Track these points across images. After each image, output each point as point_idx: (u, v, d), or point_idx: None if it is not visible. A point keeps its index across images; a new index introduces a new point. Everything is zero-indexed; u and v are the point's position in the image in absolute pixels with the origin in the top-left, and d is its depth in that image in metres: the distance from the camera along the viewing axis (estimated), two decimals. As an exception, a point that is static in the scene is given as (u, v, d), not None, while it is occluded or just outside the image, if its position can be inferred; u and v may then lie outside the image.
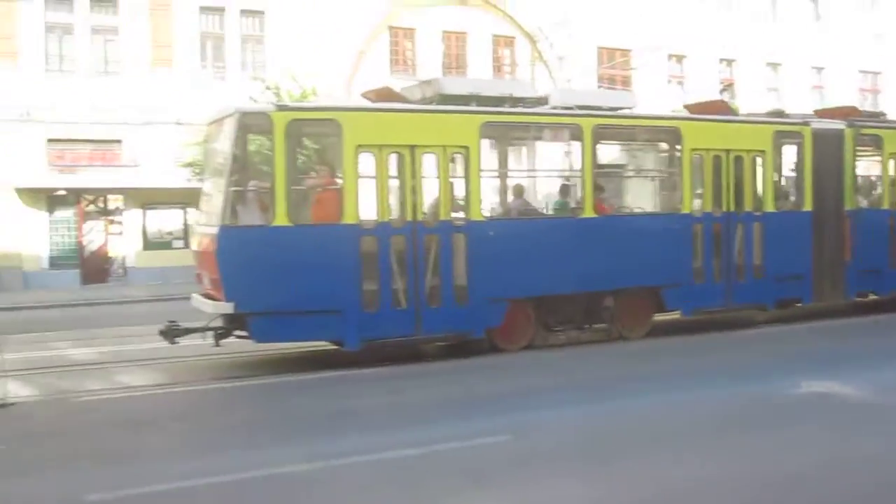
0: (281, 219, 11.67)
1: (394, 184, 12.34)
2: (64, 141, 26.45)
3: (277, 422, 9.55)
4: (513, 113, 13.49)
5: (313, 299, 11.79)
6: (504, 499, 6.79)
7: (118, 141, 27.18)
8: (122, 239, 27.63)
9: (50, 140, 26.15)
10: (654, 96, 27.71)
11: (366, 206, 12.27)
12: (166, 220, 27.99)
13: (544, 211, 15.13)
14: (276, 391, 11.15)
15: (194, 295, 12.81)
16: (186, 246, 27.58)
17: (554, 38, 30.72)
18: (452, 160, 12.65)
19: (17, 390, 11.09)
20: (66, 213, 27.11)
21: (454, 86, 13.55)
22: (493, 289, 12.84)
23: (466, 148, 12.64)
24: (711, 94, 31.67)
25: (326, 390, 11.08)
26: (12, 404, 10.39)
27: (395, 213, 12.36)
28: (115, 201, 27.59)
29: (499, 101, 13.52)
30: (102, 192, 27.28)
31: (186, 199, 27.23)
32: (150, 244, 27.69)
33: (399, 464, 7.65)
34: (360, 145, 12.00)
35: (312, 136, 13.36)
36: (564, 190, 15.18)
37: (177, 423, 9.60)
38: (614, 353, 13.37)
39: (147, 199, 27.30)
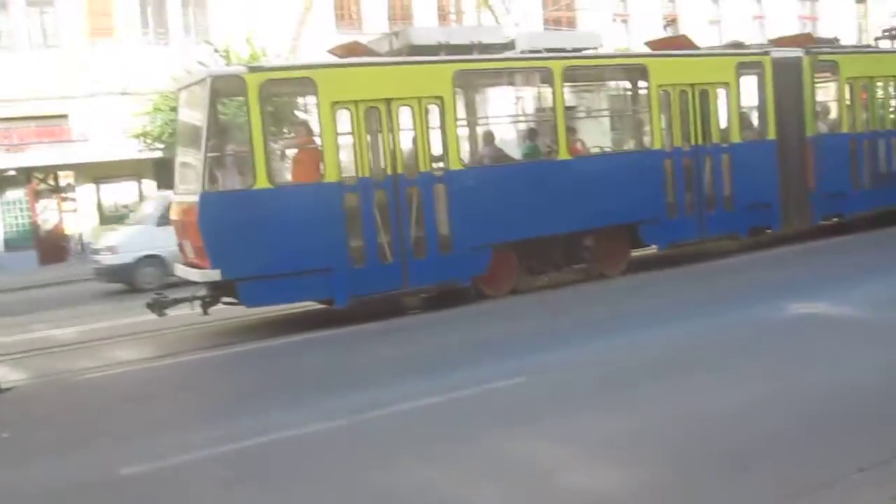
0: (262, 181, 11.56)
1: (372, 138, 12.28)
2: (8, 119, 25.70)
3: (288, 383, 9.53)
4: (484, 60, 13.45)
5: (301, 259, 11.76)
6: (541, 434, 6.90)
7: (64, 116, 26.50)
8: (78, 216, 27.09)
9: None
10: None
11: (346, 163, 12.24)
12: (120, 194, 27.50)
13: (516, 156, 15.14)
14: (278, 353, 11.10)
15: (178, 265, 12.69)
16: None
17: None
18: (428, 111, 12.61)
19: (6, 375, 10.92)
20: (17, 194, 26.50)
21: (423, 36, 13.45)
22: (477, 236, 12.91)
23: (441, 98, 12.61)
24: (655, 30, 31.89)
25: (328, 349, 11.11)
26: (8, 389, 10.23)
27: (375, 168, 12.31)
28: (66, 178, 27.00)
29: (467, 48, 13.45)
30: (53, 170, 26.66)
31: (139, 170, 26.84)
32: (107, 219, 27.16)
33: (424, 412, 7.72)
34: (335, 102, 11.90)
35: (286, 95, 13.22)
36: (532, 134, 15.25)
37: (185, 394, 9.55)
38: (599, 292, 13.58)
39: (99, 173, 26.74)
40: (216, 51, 22.59)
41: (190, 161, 12.26)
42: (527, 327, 11.37)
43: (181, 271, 12.50)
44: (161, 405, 9.09)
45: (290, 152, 12.56)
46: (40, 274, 24.37)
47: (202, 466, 6.86)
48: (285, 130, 13.31)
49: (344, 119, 12.08)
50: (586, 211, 13.89)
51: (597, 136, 15.72)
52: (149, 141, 23.89)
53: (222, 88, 11.99)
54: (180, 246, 12.82)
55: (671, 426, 6.89)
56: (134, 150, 25.12)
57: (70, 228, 27.07)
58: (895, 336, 9.19)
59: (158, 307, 12.21)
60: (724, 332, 9.94)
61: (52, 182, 26.97)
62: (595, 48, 14.96)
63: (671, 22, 34.42)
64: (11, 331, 14.49)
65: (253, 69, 11.83)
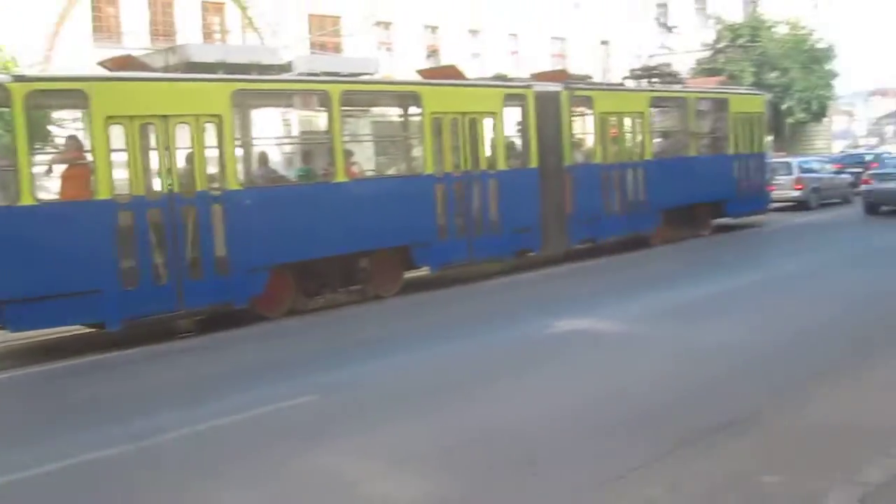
0: (26, 198, 10.96)
1: (147, 155, 11.96)
2: None
3: (64, 410, 9.03)
4: (264, 80, 13.42)
5: (69, 281, 11.22)
6: (341, 449, 7.01)
7: None
8: None
9: None
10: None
11: (120, 180, 11.83)
12: None
13: (291, 178, 15.18)
14: (49, 379, 10.49)
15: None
16: None
17: (264, 6, 30.39)
18: (205, 129, 12.43)
19: None
20: None
21: (201, 53, 13.27)
22: (253, 257, 12.83)
23: (219, 116, 12.47)
24: (418, 59, 32.90)
25: (103, 374, 10.64)
26: None
27: (150, 186, 11.99)
28: None
29: (245, 68, 13.39)
30: None
31: None
32: None
33: (216, 433, 7.61)
34: (109, 117, 11.50)
35: (55, 108, 12.58)
36: (307, 156, 15.35)
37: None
38: (375, 312, 13.83)
39: None
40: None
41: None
42: (308, 348, 11.45)
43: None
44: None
45: (59, 168, 11.95)
46: None
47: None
48: (54, 144, 12.62)
49: (118, 134, 11.68)
50: (361, 233, 14.14)
51: (372, 161, 16.06)
52: None
53: (-19, 97, 11.24)
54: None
55: (462, 436, 7.19)
56: None
57: None
58: (650, 347, 10.06)
59: None
60: (499, 348, 10.47)
61: None
62: (371, 74, 15.30)
63: (433, 52, 35.59)
64: None
65: (19, 78, 11.19)
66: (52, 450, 7.37)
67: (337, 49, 32.96)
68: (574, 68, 28.70)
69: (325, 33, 31.94)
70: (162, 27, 29.77)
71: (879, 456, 6.01)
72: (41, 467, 6.91)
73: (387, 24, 34.80)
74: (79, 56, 22.25)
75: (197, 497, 6.24)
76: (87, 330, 12.49)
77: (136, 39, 27.68)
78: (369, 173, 15.72)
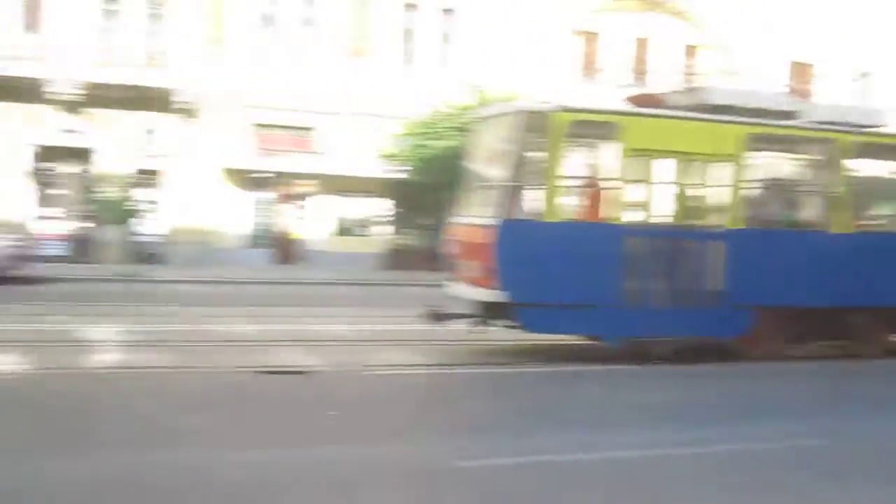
0: (552, 215, 12.18)
1: (659, 188, 12.72)
2: (266, 126, 27.70)
3: (576, 408, 10.06)
4: (776, 125, 13.62)
5: (578, 293, 12.23)
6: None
7: (310, 128, 28.31)
8: (312, 223, 28.76)
9: (256, 125, 27.43)
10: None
11: (629, 208, 12.74)
12: (356, 208, 29.04)
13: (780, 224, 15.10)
14: (552, 380, 11.74)
15: (452, 283, 13.34)
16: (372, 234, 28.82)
17: (744, 50, 30.57)
18: (716, 168, 12.93)
19: (302, 359, 11.84)
20: (262, 196, 28.36)
21: (718, 96, 13.74)
22: (744, 296, 13.00)
23: (731, 157, 12.91)
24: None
25: (602, 382, 11.52)
26: (308, 372, 11.11)
27: (651, 217, 12.79)
28: (307, 187, 28.61)
29: (756, 112, 13.65)
30: (296, 177, 28.28)
31: (376, 188, 28.14)
32: (340, 230, 28.77)
33: (726, 459, 7.97)
34: (635, 149, 12.42)
35: (585, 136, 13.77)
36: (791, 202, 15.11)
37: (482, 402, 10.23)
38: (869, 370, 13.28)
39: (339, 186, 28.24)
40: (473, 87, 23.56)
41: (489, 187, 12.88)
42: (808, 393, 11.32)
43: (456, 289, 13.15)
44: (464, 409, 9.75)
45: (580, 191, 13.07)
46: (279, 272, 26.15)
47: (511, 471, 7.39)
48: (577, 170, 13.76)
49: (637, 166, 12.59)
50: (857, 288, 13.70)
51: (872, 215, 15.43)
52: (397, 162, 25.09)
53: (530, 123, 12.56)
54: (455, 265, 13.46)
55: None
56: (373, 168, 26.48)
57: (304, 234, 28.70)
58: None
59: (437, 318, 12.91)
60: None
61: (294, 189, 28.61)
62: (879, 126, 14.83)
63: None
64: (285, 320, 15.80)
65: (564, 108, 12.37)
66: (598, 440, 8.34)
67: (807, 96, 32.18)
68: None
69: (804, 81, 31.37)
70: (638, 66, 31.15)
71: None
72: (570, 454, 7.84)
73: (865, 74, 33.39)
74: (563, 90, 23.94)
75: None
76: (577, 341, 13.49)
77: (612, 75, 29.27)
78: (875, 227, 15.11)
